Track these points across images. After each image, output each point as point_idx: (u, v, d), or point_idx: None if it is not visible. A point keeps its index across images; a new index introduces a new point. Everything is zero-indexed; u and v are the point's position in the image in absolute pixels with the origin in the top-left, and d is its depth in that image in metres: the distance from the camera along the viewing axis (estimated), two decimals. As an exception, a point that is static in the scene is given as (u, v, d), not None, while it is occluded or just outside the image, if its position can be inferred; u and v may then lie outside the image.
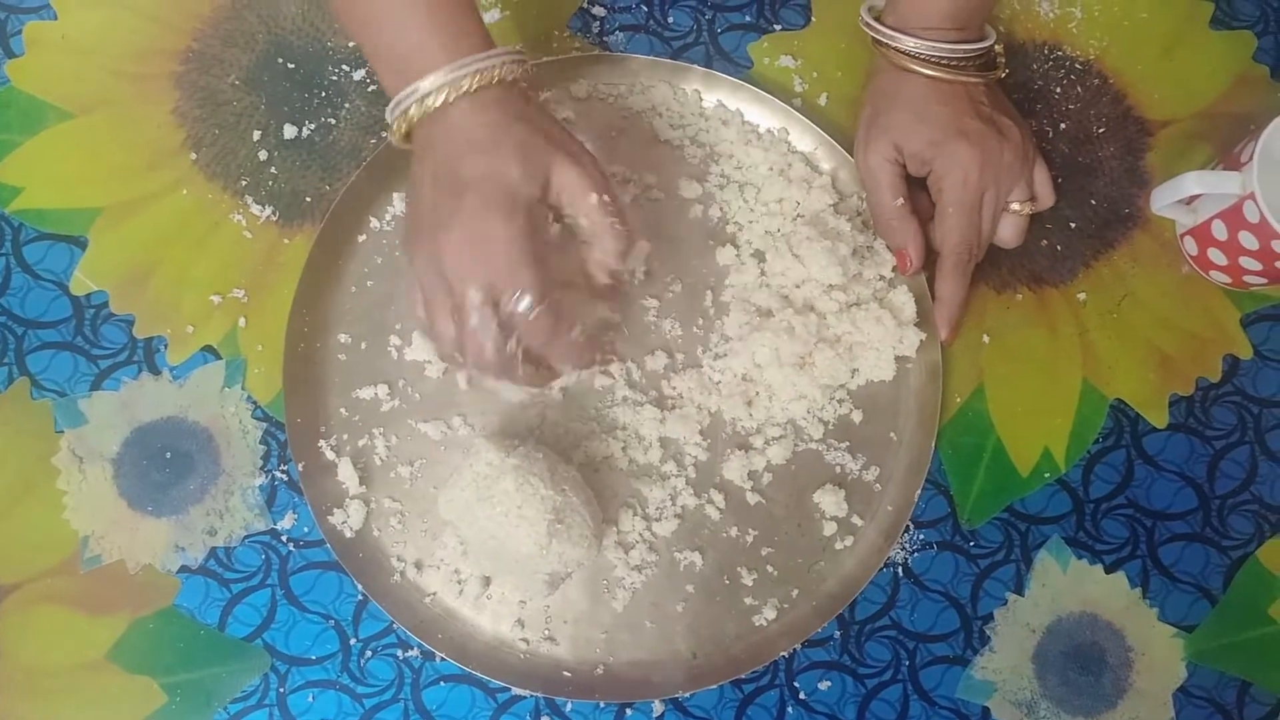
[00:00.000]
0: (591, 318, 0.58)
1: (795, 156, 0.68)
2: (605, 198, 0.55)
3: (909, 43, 0.63)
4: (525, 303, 0.53)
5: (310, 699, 0.62)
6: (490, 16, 0.70)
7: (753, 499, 0.64)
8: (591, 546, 0.59)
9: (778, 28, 0.71)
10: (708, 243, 0.67)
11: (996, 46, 0.66)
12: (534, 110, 0.56)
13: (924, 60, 0.63)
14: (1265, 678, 0.64)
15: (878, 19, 0.65)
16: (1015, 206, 0.65)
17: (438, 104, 0.53)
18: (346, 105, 0.68)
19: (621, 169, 0.67)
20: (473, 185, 0.53)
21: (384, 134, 0.68)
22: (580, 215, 0.56)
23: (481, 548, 0.59)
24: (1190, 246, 0.68)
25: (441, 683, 0.62)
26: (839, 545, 0.64)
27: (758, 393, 0.65)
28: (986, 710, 0.63)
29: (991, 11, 0.67)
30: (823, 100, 0.70)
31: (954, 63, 0.63)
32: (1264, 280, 0.66)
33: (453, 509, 0.59)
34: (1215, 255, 0.66)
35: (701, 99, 0.69)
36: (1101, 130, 0.71)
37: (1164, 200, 0.66)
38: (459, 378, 0.63)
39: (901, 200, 0.64)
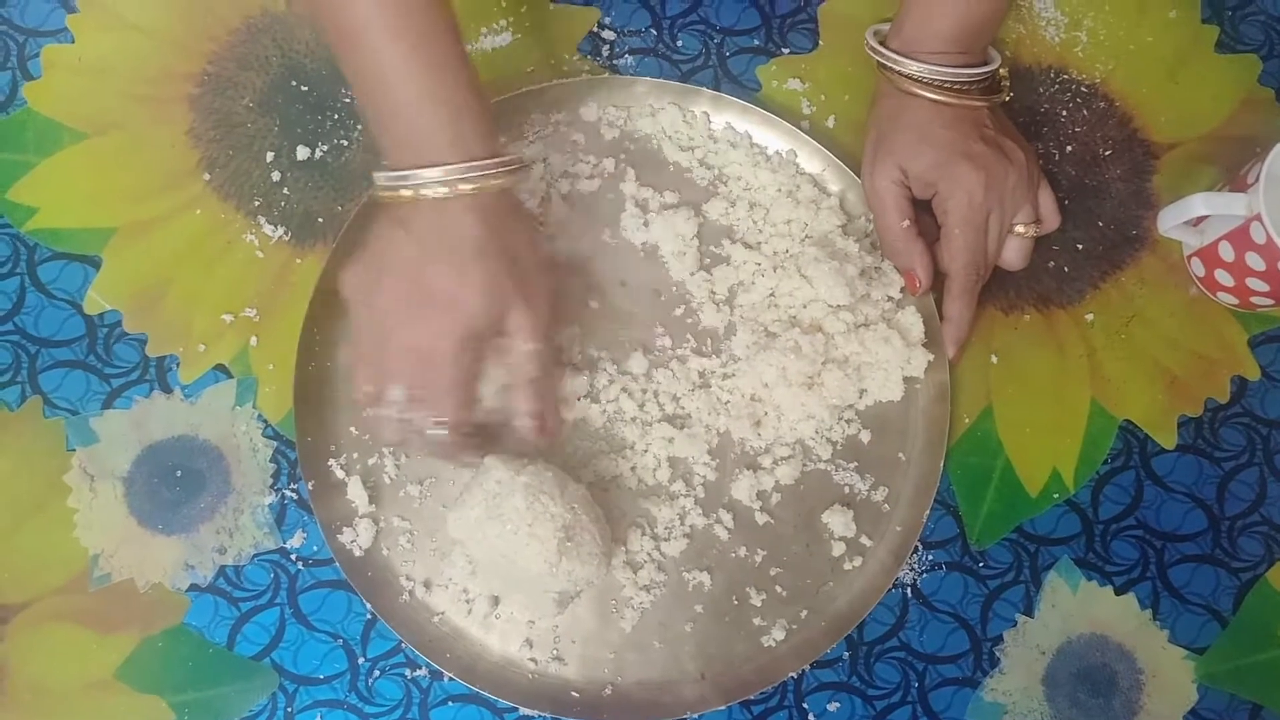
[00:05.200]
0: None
1: (803, 178, 0.68)
2: (537, 348, 0.58)
3: (913, 67, 0.63)
4: (442, 432, 0.58)
5: (318, 718, 0.61)
6: (501, 39, 0.71)
7: (761, 519, 0.64)
8: (601, 565, 0.59)
9: (786, 51, 0.72)
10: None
11: (1001, 70, 0.67)
12: (516, 229, 0.58)
13: (928, 84, 0.63)
14: (1277, 701, 0.64)
15: (883, 43, 0.65)
16: (1020, 229, 0.65)
17: (433, 197, 0.55)
18: (359, 127, 0.69)
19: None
20: (439, 304, 0.56)
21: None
22: (516, 354, 0.58)
23: (491, 566, 0.59)
24: (1197, 268, 0.68)
25: (449, 702, 0.62)
26: (848, 566, 0.64)
27: (766, 413, 0.65)
28: (997, 732, 0.63)
29: (995, 36, 0.67)
30: (830, 123, 0.71)
31: (958, 86, 0.64)
32: (1271, 301, 0.66)
33: (462, 527, 0.59)
34: (1222, 276, 0.66)
35: (710, 121, 0.69)
36: (1108, 153, 0.71)
37: (1171, 221, 0.66)
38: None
39: (908, 222, 0.65)
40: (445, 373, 0.57)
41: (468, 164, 0.55)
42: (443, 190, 0.55)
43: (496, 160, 0.56)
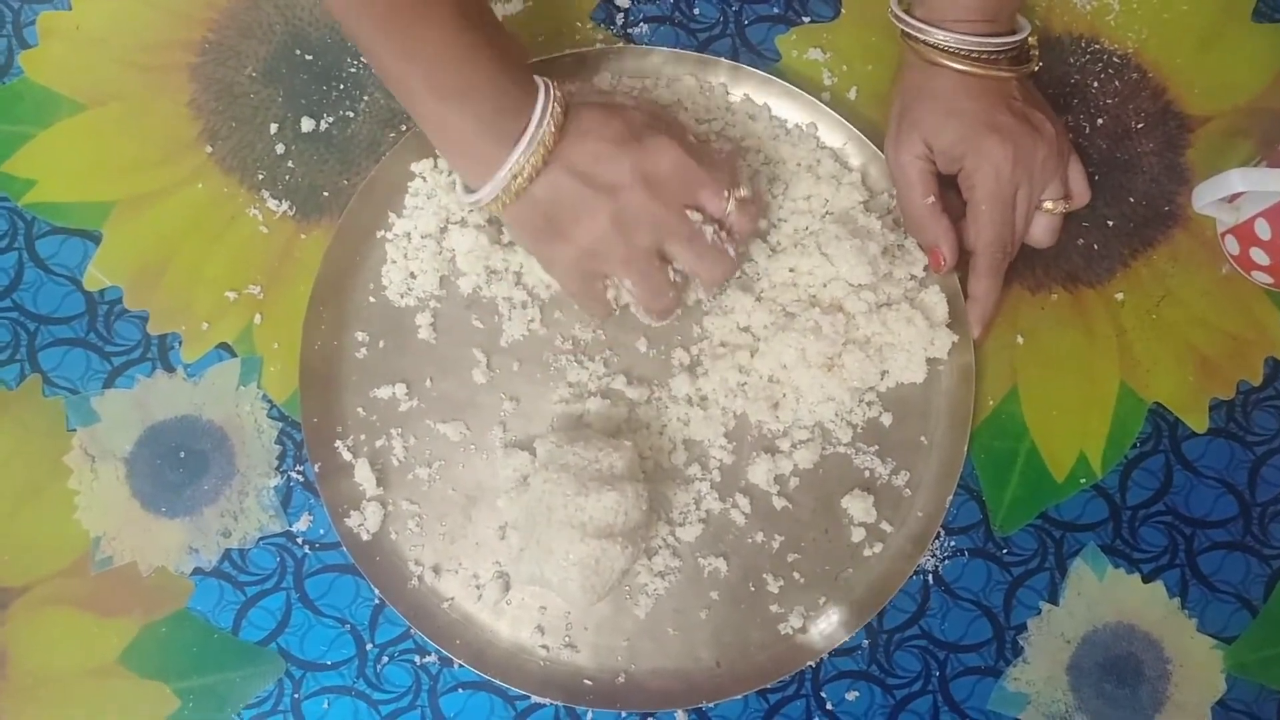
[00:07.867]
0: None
1: (824, 152, 0.66)
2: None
3: (939, 36, 0.61)
4: (744, 190, 0.59)
5: (325, 705, 0.60)
6: (512, 7, 0.69)
7: (779, 504, 0.62)
8: (638, 555, 0.59)
9: (806, 20, 0.70)
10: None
11: (1030, 40, 0.64)
12: (599, 104, 0.58)
13: (954, 54, 0.61)
14: (1308, 692, 0.62)
15: (907, 11, 0.63)
16: (1049, 205, 0.63)
17: (538, 159, 0.55)
18: (365, 98, 0.67)
19: None
20: (638, 136, 0.56)
21: (404, 129, 0.66)
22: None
23: (534, 554, 0.58)
24: (1232, 246, 0.66)
25: (459, 690, 0.61)
26: (867, 552, 0.62)
27: (784, 395, 0.63)
28: (1019, 723, 0.62)
29: (1022, 3, 0.65)
30: (852, 94, 0.68)
31: (985, 57, 0.61)
32: (1308, 281, 0.64)
33: (516, 510, 0.59)
34: (1258, 255, 0.64)
35: (728, 93, 0.67)
36: (1140, 125, 0.69)
37: (1206, 198, 0.64)
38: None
39: (933, 198, 0.63)
40: (703, 158, 0.57)
41: (534, 123, 0.55)
42: (540, 150, 0.55)
43: (538, 106, 0.55)
